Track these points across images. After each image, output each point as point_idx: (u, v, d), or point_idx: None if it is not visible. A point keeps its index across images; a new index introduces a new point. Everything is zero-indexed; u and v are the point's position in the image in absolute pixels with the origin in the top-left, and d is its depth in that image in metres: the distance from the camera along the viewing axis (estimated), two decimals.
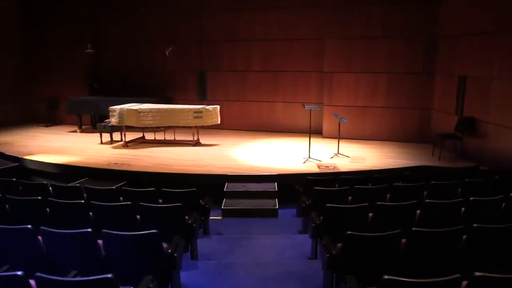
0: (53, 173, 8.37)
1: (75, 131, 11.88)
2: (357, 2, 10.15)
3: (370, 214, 4.36)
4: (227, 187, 7.15)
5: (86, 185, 5.55)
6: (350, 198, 5.19)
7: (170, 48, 11.98)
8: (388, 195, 5.23)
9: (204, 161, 8.47)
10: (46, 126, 12.74)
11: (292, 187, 6.61)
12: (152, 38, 12.33)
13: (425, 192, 5.26)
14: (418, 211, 4.38)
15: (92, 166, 8.13)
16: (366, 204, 4.31)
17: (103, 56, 13.07)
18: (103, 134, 10.24)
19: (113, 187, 5.60)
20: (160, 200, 5.27)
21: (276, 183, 7.26)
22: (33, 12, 13.02)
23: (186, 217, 4.60)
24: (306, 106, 8.19)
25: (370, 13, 10.11)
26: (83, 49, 12.02)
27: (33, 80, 13.39)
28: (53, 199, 4.57)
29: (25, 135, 11.37)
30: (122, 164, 8.26)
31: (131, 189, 5.39)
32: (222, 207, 6.64)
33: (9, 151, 9.33)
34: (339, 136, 8.69)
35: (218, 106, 9.97)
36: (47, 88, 13.17)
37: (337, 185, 6.01)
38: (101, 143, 10.19)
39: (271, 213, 6.53)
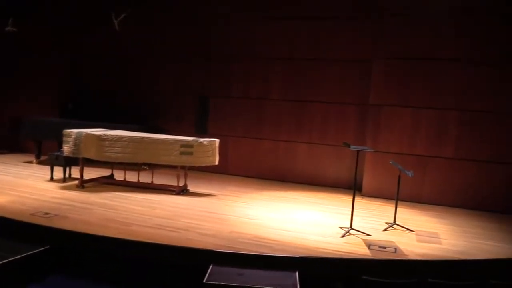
0: None
1: (31, 162, 9.05)
2: (419, 12, 7.33)
3: None
4: (211, 274, 4.03)
5: None
6: None
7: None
8: None
9: (183, 221, 5.40)
10: (2, 153, 9.97)
11: (325, 281, 3.90)
12: (143, 49, 9.50)
13: None
14: None
15: (7, 215, 5.15)
16: None
17: (82, 68, 10.37)
18: (57, 168, 7.37)
19: None
20: None
21: (297, 273, 4.12)
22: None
23: None
24: (352, 146, 5.17)
25: (437, 26, 7.26)
26: (59, 56, 9.27)
27: None
28: None
29: None
30: (56, 215, 5.28)
31: None
32: None
33: None
34: (397, 197, 5.59)
35: (217, 140, 7.05)
36: (13, 105, 10.47)
37: None
38: (51, 179, 7.30)
39: None
